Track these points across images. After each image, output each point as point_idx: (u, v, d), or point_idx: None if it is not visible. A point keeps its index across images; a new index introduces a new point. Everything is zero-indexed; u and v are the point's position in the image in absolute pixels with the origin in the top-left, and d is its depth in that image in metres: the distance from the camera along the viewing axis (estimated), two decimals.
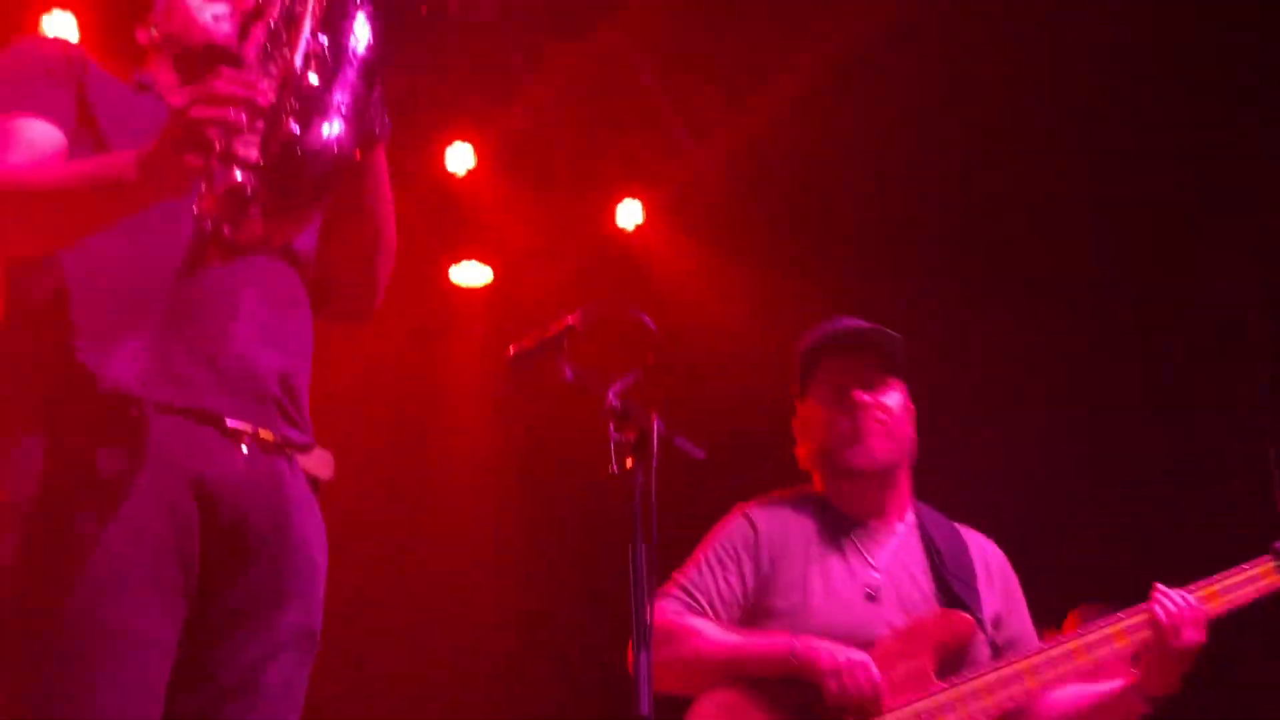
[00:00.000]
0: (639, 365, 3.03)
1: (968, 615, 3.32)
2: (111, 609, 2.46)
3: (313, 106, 2.41)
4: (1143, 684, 3.26)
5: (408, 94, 6.09)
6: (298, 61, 2.42)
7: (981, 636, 3.33)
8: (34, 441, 2.53)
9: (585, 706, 5.97)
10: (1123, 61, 5.66)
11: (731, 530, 3.48)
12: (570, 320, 3.07)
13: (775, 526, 3.47)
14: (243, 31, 2.69)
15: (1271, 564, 3.35)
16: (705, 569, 3.46)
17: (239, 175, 2.34)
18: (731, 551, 3.48)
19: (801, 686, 3.24)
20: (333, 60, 2.48)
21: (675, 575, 3.45)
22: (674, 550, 3.43)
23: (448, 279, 6.91)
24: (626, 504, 2.92)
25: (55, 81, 2.68)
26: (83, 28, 5.61)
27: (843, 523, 3.48)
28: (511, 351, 3.12)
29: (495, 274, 6.93)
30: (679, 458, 3.04)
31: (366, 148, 2.60)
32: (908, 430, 3.42)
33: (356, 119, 2.47)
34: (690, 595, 3.43)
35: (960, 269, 6.30)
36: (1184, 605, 3.22)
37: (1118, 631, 3.31)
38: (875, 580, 3.43)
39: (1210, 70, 5.51)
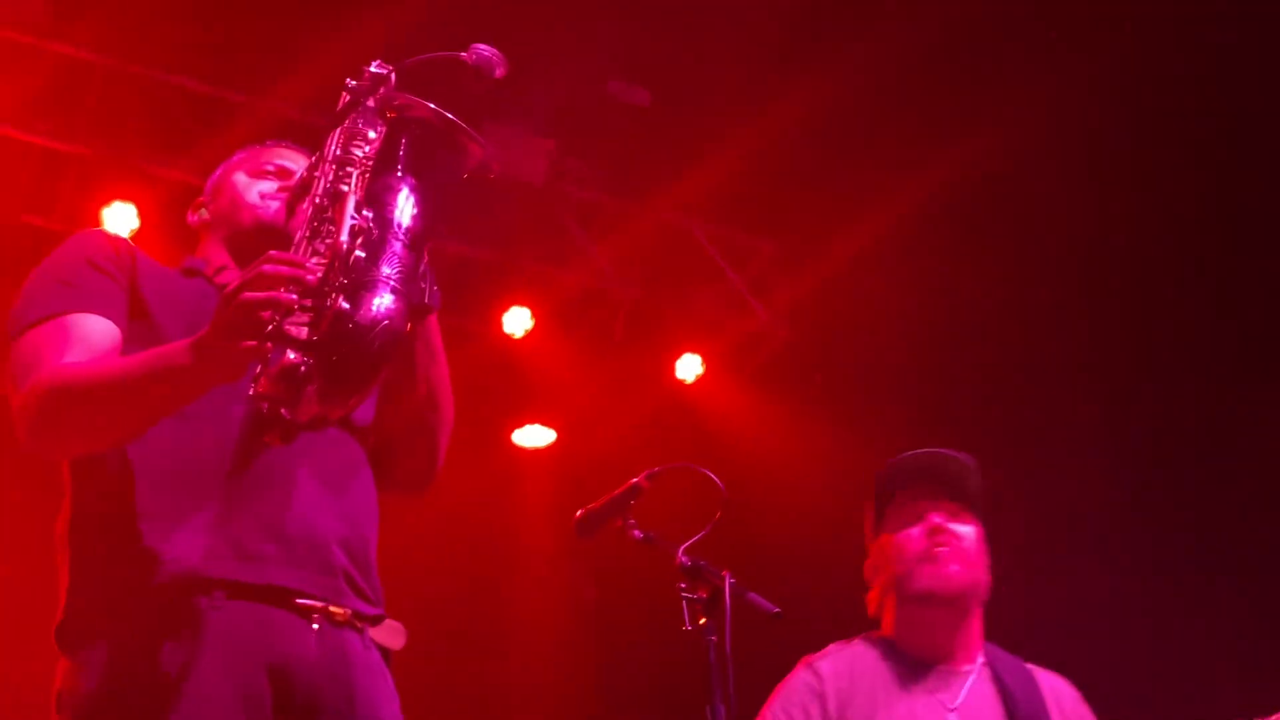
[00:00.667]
0: (707, 522, 3.04)
1: None
2: None
3: (361, 282, 2.45)
4: None
5: (461, 259, 6.28)
6: (344, 238, 2.45)
7: None
8: (101, 637, 2.56)
9: None
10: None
11: (795, 683, 3.45)
12: (636, 480, 3.08)
13: (841, 672, 3.44)
14: (290, 209, 2.76)
15: None
16: None
17: (292, 356, 2.36)
18: (798, 703, 3.45)
19: None
20: (379, 234, 2.51)
21: None
22: (751, 708, 3.40)
23: (511, 441, 7.03)
24: (702, 662, 2.91)
25: (107, 277, 2.74)
26: (143, 216, 5.81)
27: (912, 665, 3.45)
28: (578, 515, 3.11)
29: (558, 433, 7.00)
30: (752, 613, 3.03)
31: (417, 319, 2.63)
32: (982, 563, 3.39)
33: (406, 291, 2.49)
34: None
35: (1018, 419, 6.38)
36: None
37: None
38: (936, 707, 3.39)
39: None
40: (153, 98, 5.95)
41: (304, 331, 2.38)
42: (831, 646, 3.49)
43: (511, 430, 6.99)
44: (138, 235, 5.79)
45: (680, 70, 6.00)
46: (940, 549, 3.29)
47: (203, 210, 2.96)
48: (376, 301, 2.44)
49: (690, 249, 6.80)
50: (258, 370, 2.36)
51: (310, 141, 2.87)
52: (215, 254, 2.89)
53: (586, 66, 5.84)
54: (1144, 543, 6.09)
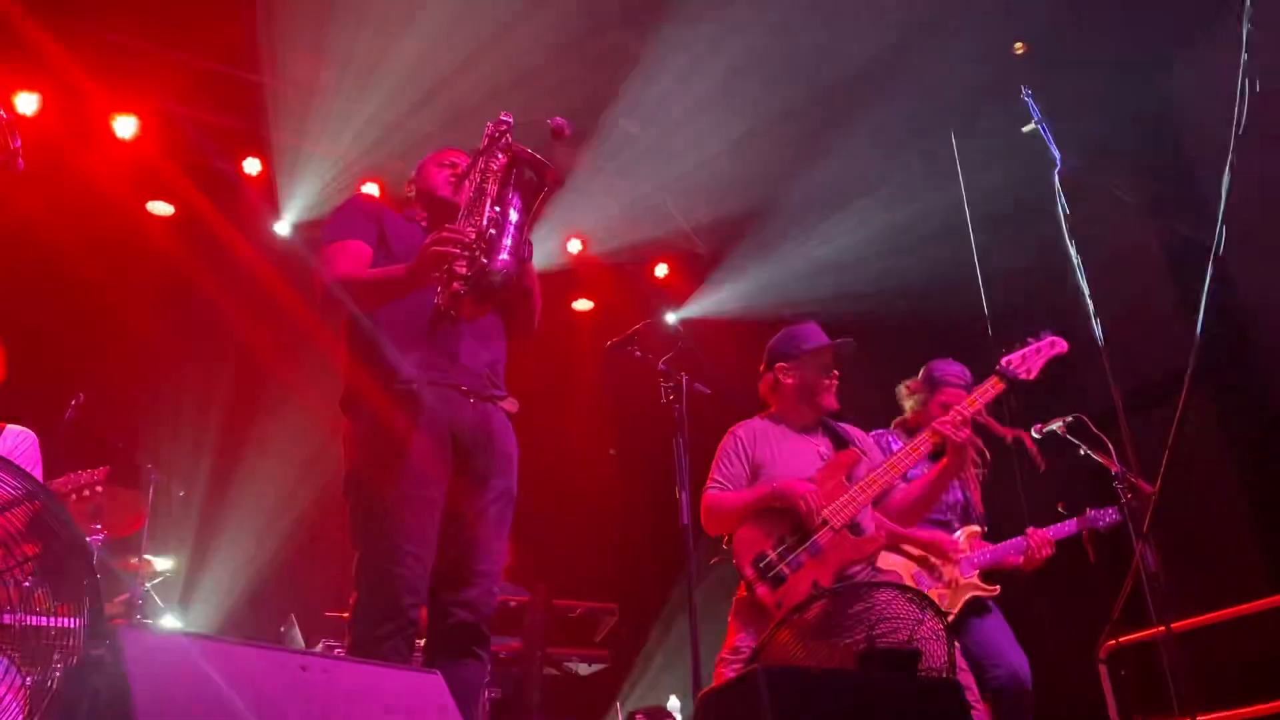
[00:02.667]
0: (674, 347, 3.26)
1: (855, 450, 3.48)
2: (410, 489, 2.60)
3: (493, 247, 2.50)
4: (947, 466, 3.39)
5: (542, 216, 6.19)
6: (485, 222, 2.52)
7: (866, 464, 3.45)
8: (368, 404, 2.67)
9: (656, 526, 5.58)
10: None
11: (728, 442, 3.53)
12: (638, 326, 3.28)
13: (751, 432, 3.53)
14: (455, 187, 2.84)
15: (999, 380, 3.44)
16: (723, 466, 3.45)
17: (456, 285, 2.44)
18: (730, 453, 3.48)
19: (785, 511, 3.27)
20: (502, 220, 2.52)
21: (710, 476, 3.44)
22: (699, 444, 3.43)
23: (571, 310, 7.53)
24: (669, 418, 3.12)
25: (369, 219, 2.88)
26: (382, 190, 6.41)
27: (788, 425, 3.54)
28: (608, 344, 3.31)
29: (596, 305, 7.48)
30: (699, 395, 3.29)
31: (521, 264, 2.65)
32: None
33: (515, 251, 2.54)
34: (719, 483, 3.41)
35: None
36: (953, 416, 3.35)
37: (929, 434, 3.37)
38: (812, 448, 3.47)
39: None
40: None
41: (463, 268, 2.45)
42: (744, 421, 3.57)
43: (570, 303, 7.34)
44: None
45: None
46: (832, 394, 3.48)
47: (412, 187, 3.03)
48: (500, 258, 2.48)
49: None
50: (439, 289, 2.48)
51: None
52: (419, 211, 2.99)
53: None
54: None
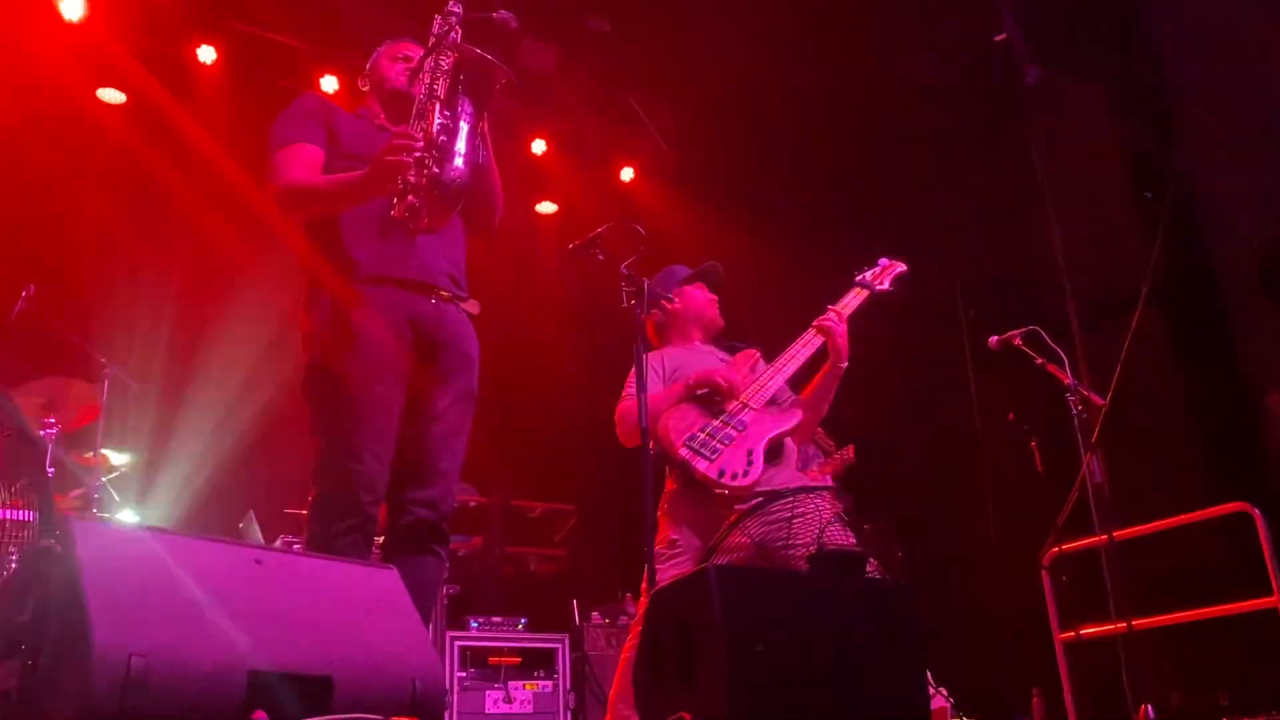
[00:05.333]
0: (635, 252, 3.16)
1: (754, 350, 3.68)
2: (369, 386, 2.60)
3: (445, 154, 2.52)
4: (832, 365, 3.53)
5: (503, 114, 6.39)
6: (435, 129, 2.52)
7: (762, 360, 3.66)
8: (327, 300, 2.68)
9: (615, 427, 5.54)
10: None
11: (651, 361, 3.61)
12: (601, 229, 3.20)
13: (659, 355, 3.67)
14: (410, 80, 2.79)
15: (860, 289, 3.68)
16: (637, 378, 3.46)
17: (411, 198, 2.44)
18: (653, 368, 3.58)
19: (704, 402, 3.41)
20: (453, 124, 2.53)
21: (624, 390, 3.53)
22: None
23: (535, 212, 7.59)
24: (631, 321, 3.08)
25: (317, 121, 2.83)
26: (341, 81, 6.39)
27: (687, 342, 3.75)
28: (570, 246, 3.22)
29: (560, 208, 7.55)
30: (657, 295, 3.32)
31: (477, 170, 2.68)
32: None
33: (470, 156, 2.54)
34: (633, 395, 3.38)
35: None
36: (832, 317, 3.51)
37: (814, 330, 3.51)
38: (711, 354, 3.68)
39: None
40: None
41: (411, 178, 2.45)
42: (654, 350, 3.75)
43: (534, 205, 7.38)
44: None
45: None
46: (717, 319, 3.74)
47: (366, 81, 3.06)
48: (452, 166, 2.49)
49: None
50: (394, 200, 2.48)
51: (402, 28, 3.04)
52: (373, 106, 3.01)
53: None
54: None
